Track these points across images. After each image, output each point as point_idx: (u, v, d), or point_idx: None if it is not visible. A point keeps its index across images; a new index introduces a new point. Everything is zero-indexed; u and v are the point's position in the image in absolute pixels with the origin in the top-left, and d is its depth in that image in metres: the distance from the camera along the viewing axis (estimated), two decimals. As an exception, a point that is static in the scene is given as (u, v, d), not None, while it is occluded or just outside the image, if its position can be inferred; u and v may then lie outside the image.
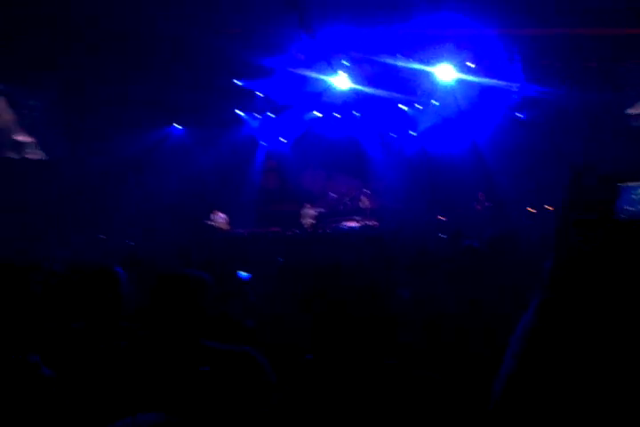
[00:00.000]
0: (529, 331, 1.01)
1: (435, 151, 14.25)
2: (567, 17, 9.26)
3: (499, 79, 11.80)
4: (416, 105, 14.39)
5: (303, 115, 15.20)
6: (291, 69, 12.18)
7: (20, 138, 12.65)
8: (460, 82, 12.26)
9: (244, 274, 4.19)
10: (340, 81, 12.82)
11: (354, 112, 15.16)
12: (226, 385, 1.82)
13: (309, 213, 14.21)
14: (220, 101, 13.46)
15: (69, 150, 12.86)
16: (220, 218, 13.73)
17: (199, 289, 2.02)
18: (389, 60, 11.53)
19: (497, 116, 12.90)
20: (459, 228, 5.94)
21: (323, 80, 12.88)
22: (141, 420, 1.13)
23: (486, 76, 11.82)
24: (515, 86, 11.84)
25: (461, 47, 11.21)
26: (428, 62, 11.72)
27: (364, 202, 14.46)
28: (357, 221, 13.75)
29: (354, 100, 13.85)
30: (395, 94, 13.37)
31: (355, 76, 12.69)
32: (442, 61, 11.73)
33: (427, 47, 11.22)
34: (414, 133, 15.08)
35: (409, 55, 11.48)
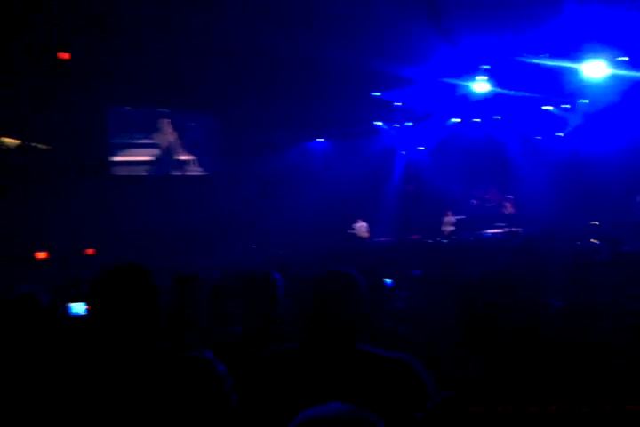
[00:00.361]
0: None
1: (585, 152, 13.33)
2: None
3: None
4: (562, 106, 13.62)
5: (441, 122, 15.05)
6: (430, 78, 12.14)
7: (182, 157, 13.96)
8: (612, 77, 11.39)
9: (387, 281, 4.28)
10: (480, 85, 12.51)
11: (495, 116, 14.71)
12: (380, 392, 1.73)
13: (450, 221, 13.98)
14: (359, 113, 13.81)
15: (224, 166, 13.92)
16: (361, 227, 14.01)
17: (360, 288, 1.94)
18: (535, 61, 11.05)
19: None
20: (617, 234, 5.51)
21: (462, 85, 12.67)
22: (334, 407, 1.14)
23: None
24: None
25: (612, 41, 10.43)
26: (576, 60, 11.06)
27: (508, 208, 13.92)
28: (501, 228, 13.26)
29: (494, 103, 13.44)
30: (538, 95, 12.76)
31: (496, 80, 12.31)
32: (591, 58, 10.99)
33: (576, 45, 10.60)
34: (561, 134, 14.25)
35: (556, 55, 10.93)
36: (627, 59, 11.00)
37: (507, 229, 12.96)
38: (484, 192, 15.05)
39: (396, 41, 10.22)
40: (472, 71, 12.05)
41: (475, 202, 14.72)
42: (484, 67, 12.05)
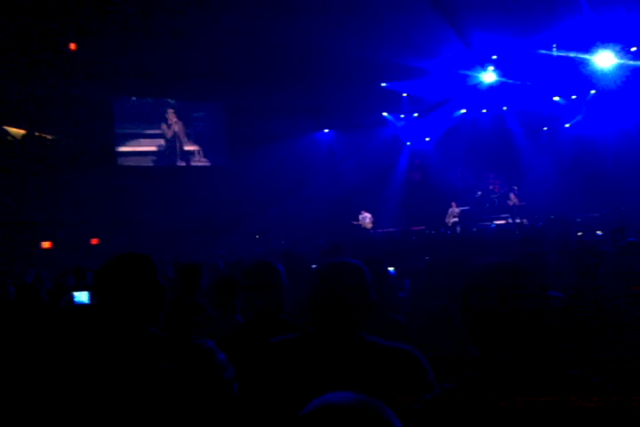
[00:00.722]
0: None
1: (591, 142, 13.25)
2: None
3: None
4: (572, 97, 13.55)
5: (449, 113, 14.98)
6: (439, 69, 12.08)
7: (188, 147, 13.97)
8: (620, 67, 11.32)
9: (390, 269, 4.28)
10: (489, 76, 12.46)
11: (503, 107, 14.64)
12: (382, 382, 1.70)
13: (454, 212, 13.95)
14: (366, 104, 13.77)
15: (229, 157, 13.92)
16: (366, 218, 14.00)
17: (366, 278, 1.90)
18: (544, 52, 11.00)
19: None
20: (622, 222, 5.46)
21: (471, 76, 12.62)
22: (349, 396, 1.12)
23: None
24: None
25: (622, 33, 10.37)
26: (586, 51, 11.00)
27: (513, 199, 13.87)
28: (505, 220, 13.23)
29: (502, 94, 13.36)
30: (545, 86, 12.69)
31: (504, 70, 12.26)
32: (601, 49, 10.93)
33: (586, 38, 10.55)
34: (568, 125, 14.17)
35: (566, 47, 10.87)
36: (635, 49, 10.92)
37: (511, 221, 12.93)
38: (488, 183, 15.00)
39: (408, 32, 10.16)
40: (481, 62, 11.99)
41: (479, 193, 14.67)
42: (493, 57, 11.99)
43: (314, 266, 4.49)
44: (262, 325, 2.40)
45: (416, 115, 15.47)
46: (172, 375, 1.65)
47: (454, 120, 15.11)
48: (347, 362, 1.80)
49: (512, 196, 13.88)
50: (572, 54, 11.10)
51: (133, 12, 9.65)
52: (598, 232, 7.34)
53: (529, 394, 1.38)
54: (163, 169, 13.32)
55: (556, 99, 13.85)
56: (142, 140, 13.36)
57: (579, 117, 13.84)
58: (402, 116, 15.57)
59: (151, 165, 13.35)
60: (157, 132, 13.60)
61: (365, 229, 13.82)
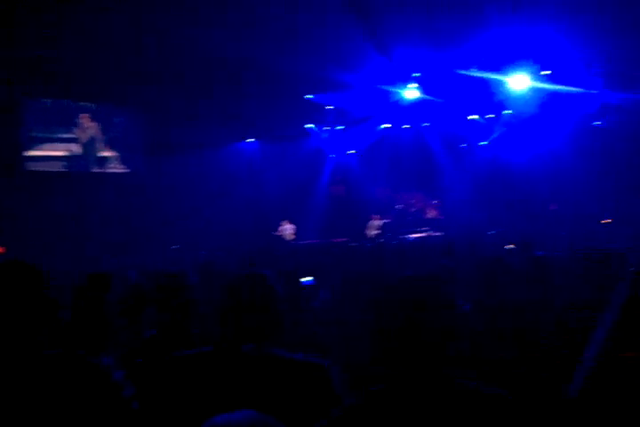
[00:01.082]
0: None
1: (506, 160, 13.95)
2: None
3: (575, 86, 11.44)
4: (487, 116, 14.19)
5: (372, 126, 15.29)
6: (363, 84, 12.30)
7: (104, 153, 13.42)
8: (534, 89, 11.98)
9: (307, 279, 4.26)
10: (411, 92, 12.83)
11: (424, 123, 15.11)
12: (289, 397, 1.70)
13: (375, 225, 14.20)
14: (290, 115, 13.80)
15: (148, 164, 13.50)
16: (287, 228, 13.98)
17: (273, 290, 1.90)
18: (463, 72, 11.45)
19: (572, 122, 12.48)
20: (528, 238, 5.79)
21: (392, 92, 12.93)
22: (239, 416, 1.13)
23: (562, 83, 11.50)
24: (591, 93, 11.43)
25: (537, 57, 11.00)
26: (502, 73, 11.56)
27: (432, 212, 14.31)
28: (424, 232, 13.61)
29: (424, 110, 13.80)
30: (465, 105, 13.23)
31: (425, 88, 12.67)
32: (516, 71, 11.53)
33: (502, 59, 11.09)
34: (485, 143, 14.82)
35: (484, 68, 11.38)
36: (549, 73, 11.59)
37: (429, 234, 13.31)
38: (410, 197, 15.39)
39: (331, 46, 10.30)
40: (404, 79, 12.32)
41: (401, 206, 15.03)
42: (415, 75, 12.36)
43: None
44: (175, 338, 2.34)
45: (341, 127, 15.67)
46: (60, 398, 1.53)
47: (378, 134, 15.44)
48: (251, 377, 1.76)
49: (432, 209, 14.32)
50: (488, 75, 11.61)
51: (54, 13, 9.21)
52: (511, 246, 7.66)
53: (419, 406, 1.40)
54: (76, 175, 12.73)
55: (475, 117, 14.46)
56: (54, 145, 12.71)
57: (494, 136, 14.51)
58: (326, 128, 15.71)
59: (63, 170, 12.72)
60: (72, 136, 13.00)
61: (287, 239, 13.80)
